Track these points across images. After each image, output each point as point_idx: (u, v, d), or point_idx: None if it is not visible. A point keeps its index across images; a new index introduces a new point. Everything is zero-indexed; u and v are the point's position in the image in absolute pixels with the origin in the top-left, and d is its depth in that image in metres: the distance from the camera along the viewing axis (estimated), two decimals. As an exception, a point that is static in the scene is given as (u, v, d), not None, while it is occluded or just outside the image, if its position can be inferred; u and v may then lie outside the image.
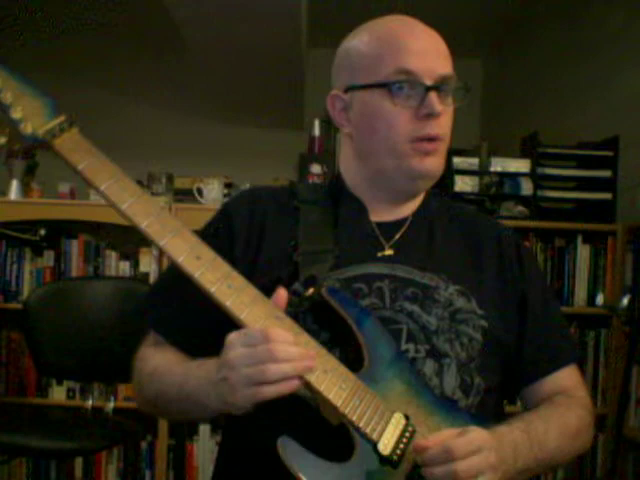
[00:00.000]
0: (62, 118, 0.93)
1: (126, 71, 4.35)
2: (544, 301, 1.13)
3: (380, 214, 1.09)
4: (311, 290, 0.97)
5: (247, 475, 1.01)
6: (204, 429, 2.66)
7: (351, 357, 0.93)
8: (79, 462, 2.69)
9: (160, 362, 1.03)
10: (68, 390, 2.69)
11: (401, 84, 1.01)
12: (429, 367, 0.98)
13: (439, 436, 0.87)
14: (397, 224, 1.09)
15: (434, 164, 1.04)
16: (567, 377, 1.11)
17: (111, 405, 2.54)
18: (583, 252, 2.72)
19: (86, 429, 2.30)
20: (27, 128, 0.90)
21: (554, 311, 1.16)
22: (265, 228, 1.06)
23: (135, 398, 1.10)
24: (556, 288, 2.72)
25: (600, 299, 2.69)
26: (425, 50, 1.02)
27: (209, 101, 4.32)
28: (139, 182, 2.82)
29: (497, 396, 1.06)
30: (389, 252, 1.06)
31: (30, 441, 2.10)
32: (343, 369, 0.88)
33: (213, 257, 0.89)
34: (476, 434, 0.87)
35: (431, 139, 1.02)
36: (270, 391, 0.82)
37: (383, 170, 1.06)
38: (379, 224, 1.08)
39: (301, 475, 0.83)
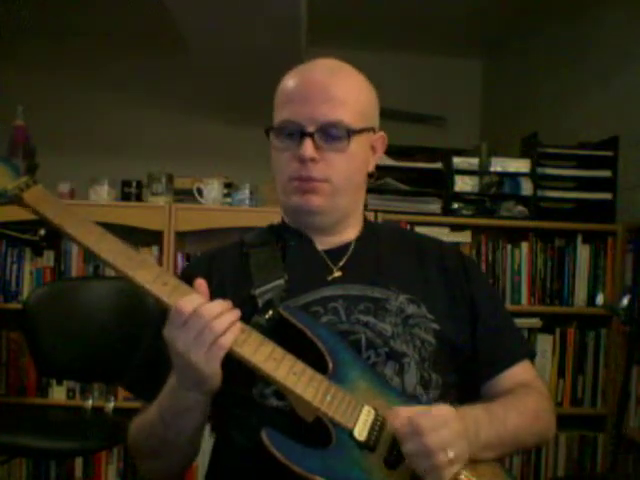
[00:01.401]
0: (26, 178, 1.03)
1: (126, 71, 4.35)
2: (492, 304, 1.21)
3: (324, 242, 1.17)
4: (270, 312, 1.04)
5: (236, 469, 1.06)
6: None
7: (315, 365, 0.98)
8: (79, 462, 2.69)
9: (139, 417, 1.11)
10: (68, 390, 2.69)
11: (284, 129, 1.11)
12: (390, 368, 1.05)
13: (408, 411, 0.93)
14: (343, 248, 1.17)
15: (315, 202, 1.11)
16: (522, 372, 1.18)
17: (111, 405, 2.54)
18: (583, 252, 2.72)
19: (86, 429, 2.30)
20: None
21: (503, 312, 1.25)
22: (224, 283, 1.14)
23: (142, 469, 1.14)
24: (556, 288, 2.72)
25: (600, 299, 2.69)
26: (307, 100, 1.09)
27: (209, 101, 4.32)
28: (139, 182, 2.82)
29: (457, 393, 1.12)
30: (338, 274, 1.13)
31: (30, 441, 2.10)
32: (310, 371, 0.96)
33: (178, 283, 0.97)
34: (440, 409, 0.94)
35: (308, 179, 1.10)
36: (227, 339, 0.92)
37: (283, 206, 1.18)
38: (326, 251, 1.16)
39: (287, 460, 0.89)
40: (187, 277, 1.09)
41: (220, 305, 0.94)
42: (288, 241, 1.18)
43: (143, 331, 1.19)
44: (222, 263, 1.18)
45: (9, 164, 1.04)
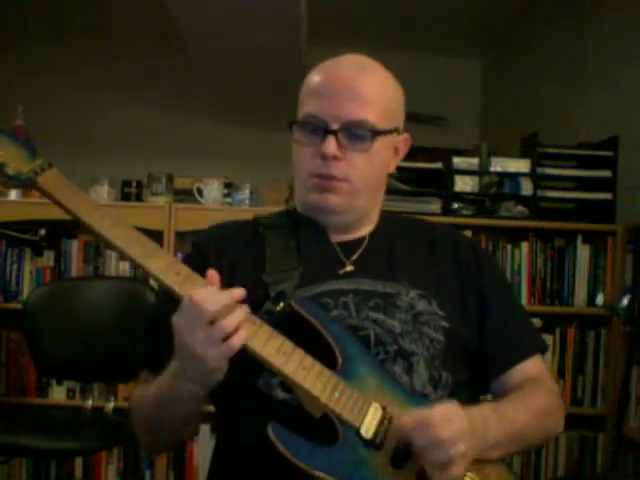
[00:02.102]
0: (40, 160, 1.01)
1: (126, 71, 4.35)
2: (503, 297, 1.19)
3: (339, 235, 1.16)
4: (281, 304, 1.03)
5: (238, 470, 1.05)
6: (204, 429, 2.65)
7: (324, 360, 0.97)
8: (79, 462, 2.69)
9: (140, 391, 1.10)
10: (68, 390, 2.69)
11: (308, 125, 1.10)
12: (399, 366, 1.04)
13: (415, 414, 0.93)
14: (357, 242, 1.16)
15: (333, 201, 1.10)
16: (532, 367, 1.16)
17: (111, 405, 2.54)
18: (583, 252, 2.72)
19: (86, 429, 2.29)
20: (10, 170, 0.99)
21: (514, 306, 1.23)
22: (237, 261, 1.12)
23: (140, 441, 1.14)
24: (556, 288, 2.72)
25: (600, 299, 2.69)
26: (333, 97, 1.08)
27: (209, 101, 4.32)
28: (139, 182, 2.82)
29: (468, 390, 1.11)
30: (350, 268, 1.12)
31: (30, 441, 2.10)
32: (319, 366, 0.95)
33: (189, 272, 0.96)
34: (445, 406, 0.93)
35: (328, 177, 1.09)
36: (237, 340, 0.90)
37: (300, 201, 1.17)
38: (340, 243, 1.15)
39: (292, 456, 0.88)
40: (199, 252, 1.13)
41: (229, 297, 0.91)
42: (303, 229, 1.16)
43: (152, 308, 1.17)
44: (234, 240, 1.17)
45: (26, 145, 1.02)
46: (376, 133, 1.09)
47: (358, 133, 1.08)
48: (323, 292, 1.07)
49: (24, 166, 0.99)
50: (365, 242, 1.16)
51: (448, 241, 1.21)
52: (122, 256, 0.99)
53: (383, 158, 1.14)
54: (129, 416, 1.12)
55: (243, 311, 0.92)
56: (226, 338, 0.89)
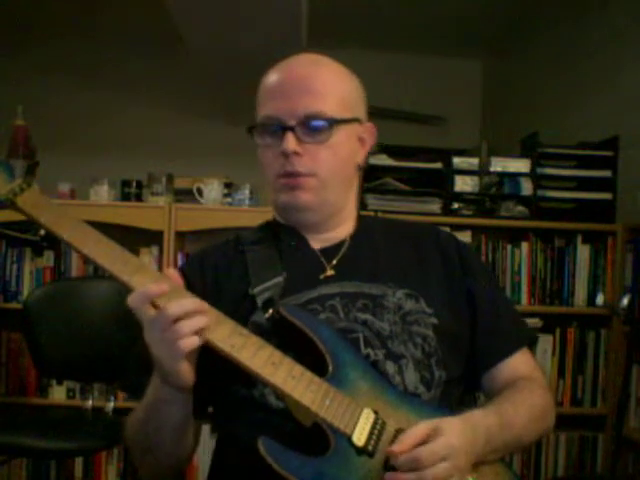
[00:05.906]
0: (20, 180, 1.00)
1: (126, 71, 4.35)
2: (490, 292, 1.19)
3: (317, 239, 1.16)
4: (270, 311, 1.03)
5: (238, 470, 1.05)
6: (204, 429, 2.65)
7: (316, 365, 0.97)
8: (79, 462, 2.69)
9: (132, 414, 1.09)
10: (68, 390, 2.69)
11: (266, 127, 1.11)
12: (390, 367, 1.04)
13: (409, 438, 0.91)
14: (337, 247, 1.15)
15: (302, 198, 1.10)
16: (522, 361, 1.16)
17: (111, 405, 2.54)
18: (583, 252, 2.73)
19: (86, 429, 2.30)
20: None
21: (501, 300, 1.22)
22: (219, 281, 1.12)
23: (136, 466, 1.12)
24: (556, 288, 2.72)
25: (600, 299, 2.69)
26: (287, 94, 1.08)
27: (209, 101, 4.32)
28: (139, 182, 2.82)
29: (461, 387, 1.12)
30: (331, 273, 1.11)
31: (30, 441, 2.10)
32: (309, 374, 0.95)
33: (174, 287, 0.95)
34: (444, 440, 0.90)
35: (294, 174, 1.08)
36: (184, 344, 0.89)
37: (273, 204, 1.17)
38: (320, 249, 1.15)
39: (282, 470, 0.88)
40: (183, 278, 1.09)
41: (191, 304, 0.92)
42: (283, 239, 1.16)
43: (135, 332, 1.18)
44: (216, 261, 1.16)
45: (3, 165, 1.02)
46: (333, 122, 1.08)
47: (315, 125, 1.07)
48: (310, 299, 1.07)
49: (2, 187, 0.98)
50: (345, 245, 1.15)
51: (432, 240, 1.20)
52: (106, 273, 0.98)
53: (348, 149, 1.13)
54: (125, 444, 1.12)
55: (204, 319, 0.91)
56: (176, 341, 0.90)
